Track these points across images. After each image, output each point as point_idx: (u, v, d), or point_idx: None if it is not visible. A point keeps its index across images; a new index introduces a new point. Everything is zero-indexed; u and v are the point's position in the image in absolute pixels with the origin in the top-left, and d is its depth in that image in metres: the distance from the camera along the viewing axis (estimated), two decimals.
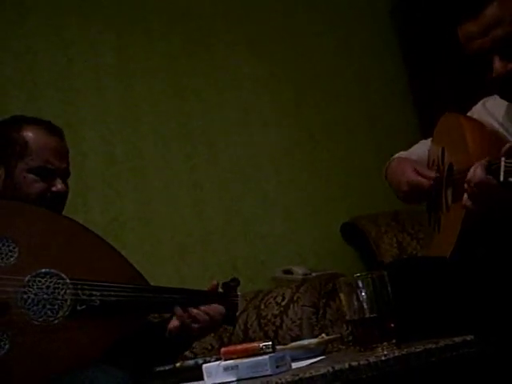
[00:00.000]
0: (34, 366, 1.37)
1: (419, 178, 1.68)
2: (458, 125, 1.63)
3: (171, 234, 2.89)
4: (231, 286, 1.66)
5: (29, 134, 1.63)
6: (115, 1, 2.98)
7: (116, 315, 1.47)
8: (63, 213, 1.66)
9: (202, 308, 1.57)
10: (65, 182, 1.67)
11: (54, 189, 1.62)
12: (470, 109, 1.77)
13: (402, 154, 1.89)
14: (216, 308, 1.59)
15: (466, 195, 1.42)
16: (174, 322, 1.60)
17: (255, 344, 1.19)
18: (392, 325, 1.27)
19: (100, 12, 2.94)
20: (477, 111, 1.73)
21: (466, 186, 1.41)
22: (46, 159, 1.62)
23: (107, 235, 1.61)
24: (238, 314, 1.69)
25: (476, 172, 1.37)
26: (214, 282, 1.67)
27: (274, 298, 2.43)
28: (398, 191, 1.76)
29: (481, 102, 1.74)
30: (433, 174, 1.68)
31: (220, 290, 1.67)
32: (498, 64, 1.46)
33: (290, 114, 3.25)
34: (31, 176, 1.60)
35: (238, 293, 1.66)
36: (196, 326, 1.57)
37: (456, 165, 1.61)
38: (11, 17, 2.76)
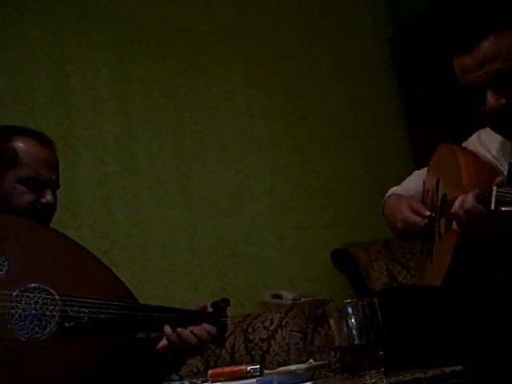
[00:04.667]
0: (19, 383, 1.35)
1: (414, 217, 1.67)
2: (453, 156, 1.63)
3: (161, 253, 2.88)
4: (221, 306, 1.64)
5: (19, 145, 1.62)
6: (114, 19, 3.00)
7: (104, 333, 1.45)
8: (53, 226, 1.65)
9: (189, 328, 1.56)
10: (54, 194, 1.66)
11: (43, 200, 1.61)
12: (464, 139, 1.78)
13: (398, 189, 1.89)
14: (203, 327, 1.57)
15: (454, 222, 1.42)
16: (163, 342, 1.59)
17: (243, 367, 1.18)
18: (381, 353, 1.26)
19: (99, 29, 2.96)
20: (471, 143, 1.74)
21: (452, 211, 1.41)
22: (36, 170, 1.61)
23: (97, 252, 1.60)
24: (226, 335, 1.66)
25: (466, 200, 1.37)
26: (202, 303, 1.65)
27: (262, 323, 2.41)
28: (394, 228, 1.75)
29: (476, 134, 1.75)
30: (428, 213, 1.67)
31: (210, 309, 1.65)
32: (491, 98, 1.47)
33: (285, 138, 3.26)
34: (21, 187, 1.59)
35: (228, 313, 1.64)
36: (183, 346, 1.55)
37: (450, 195, 1.62)
38: (9, 30, 2.77)
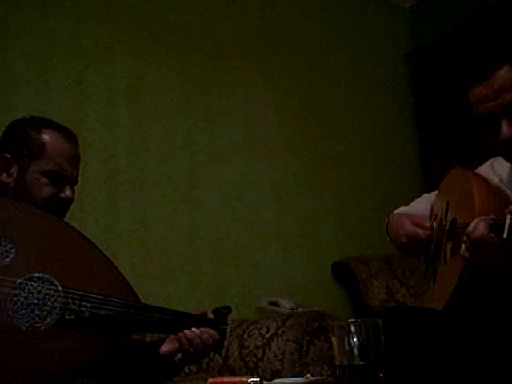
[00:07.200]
0: (15, 370, 1.35)
1: (416, 229, 1.69)
2: (466, 180, 1.63)
3: (163, 251, 2.87)
4: (222, 312, 1.63)
5: (46, 137, 1.64)
6: (135, 15, 3.01)
7: (104, 329, 1.44)
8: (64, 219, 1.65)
9: (194, 331, 1.55)
10: (72, 189, 1.67)
11: (62, 195, 1.62)
12: (475, 159, 1.78)
13: (404, 209, 1.89)
14: (208, 332, 1.57)
15: (463, 247, 1.42)
16: (168, 346, 1.58)
17: (243, 378, 1.17)
18: (381, 374, 1.25)
19: (119, 24, 2.96)
20: (484, 170, 1.74)
21: (464, 238, 1.41)
22: (60, 164, 1.62)
23: (99, 244, 1.59)
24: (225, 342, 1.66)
25: (478, 227, 1.37)
26: (203, 309, 1.65)
27: (259, 329, 2.41)
28: (398, 244, 1.76)
29: (489, 161, 1.75)
30: (429, 223, 1.69)
31: (210, 315, 1.65)
32: (505, 128, 1.48)
33: (296, 147, 3.26)
34: (43, 179, 1.60)
35: (229, 321, 1.64)
36: (191, 349, 1.55)
37: (460, 220, 1.61)
38: (32, 18, 2.76)
